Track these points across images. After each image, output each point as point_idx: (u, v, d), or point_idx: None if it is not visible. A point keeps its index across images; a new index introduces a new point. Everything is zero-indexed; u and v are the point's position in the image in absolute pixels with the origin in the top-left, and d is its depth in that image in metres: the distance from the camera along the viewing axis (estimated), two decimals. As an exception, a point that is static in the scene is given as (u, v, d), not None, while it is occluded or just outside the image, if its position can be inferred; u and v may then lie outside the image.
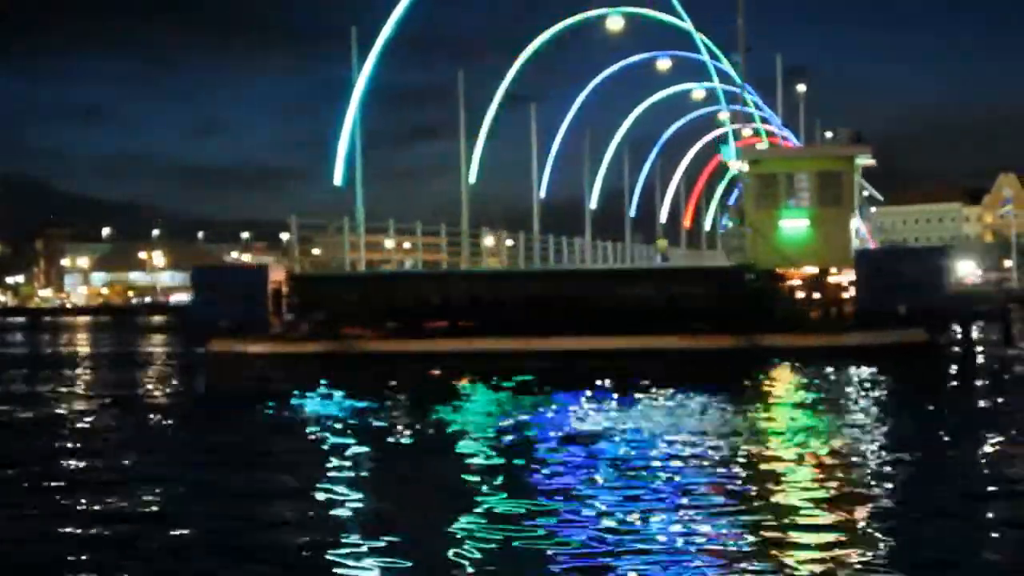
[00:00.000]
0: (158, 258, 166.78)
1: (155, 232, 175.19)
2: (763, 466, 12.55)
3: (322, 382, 23.75)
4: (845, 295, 31.73)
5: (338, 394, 21.82)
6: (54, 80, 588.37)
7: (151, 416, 18.79)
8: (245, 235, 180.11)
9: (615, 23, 42.12)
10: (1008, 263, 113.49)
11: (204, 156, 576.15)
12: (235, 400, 22.20)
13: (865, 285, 29.61)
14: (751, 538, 9.10)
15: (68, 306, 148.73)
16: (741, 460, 12.98)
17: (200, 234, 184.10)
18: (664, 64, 53.58)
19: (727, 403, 18.53)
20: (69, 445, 15.28)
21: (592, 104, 58.66)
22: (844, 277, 32.50)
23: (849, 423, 16.03)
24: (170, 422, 18.22)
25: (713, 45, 46.67)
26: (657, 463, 12.81)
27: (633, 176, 69.47)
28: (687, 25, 43.18)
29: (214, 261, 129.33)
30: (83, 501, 11.10)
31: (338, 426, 16.93)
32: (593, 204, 60.62)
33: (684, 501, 10.60)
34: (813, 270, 31.43)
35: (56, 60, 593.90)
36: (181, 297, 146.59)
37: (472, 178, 42.75)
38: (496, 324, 29.84)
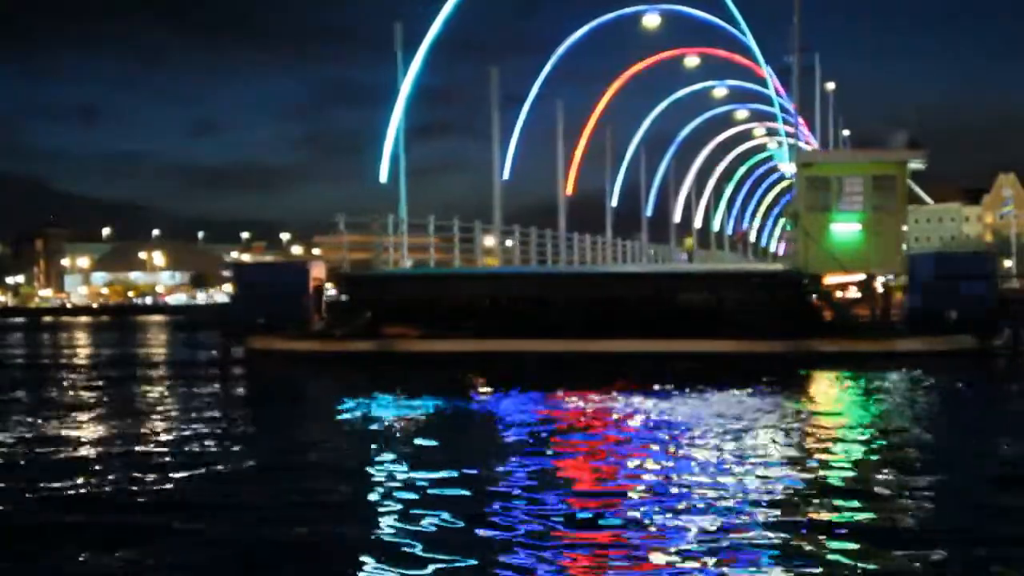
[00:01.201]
0: (158, 258, 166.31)
1: (155, 232, 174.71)
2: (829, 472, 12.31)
3: (366, 385, 23.27)
4: (892, 298, 31.39)
5: (385, 396, 21.32)
6: (53, 80, 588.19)
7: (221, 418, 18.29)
8: (245, 235, 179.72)
9: (651, 20, 41.70)
10: (1008, 263, 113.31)
11: (204, 156, 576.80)
12: (294, 400, 21.79)
13: (916, 290, 29.33)
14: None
15: (68, 306, 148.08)
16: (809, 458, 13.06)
17: (200, 234, 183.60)
18: (692, 61, 53.24)
19: (783, 401, 18.58)
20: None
21: (613, 102, 58.14)
22: (891, 280, 32.14)
23: (909, 427, 15.98)
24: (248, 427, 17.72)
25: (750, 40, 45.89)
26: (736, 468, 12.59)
27: (650, 175, 68.97)
28: (748, 40, 42.67)
29: (212, 260, 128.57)
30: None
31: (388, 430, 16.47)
32: (614, 202, 60.20)
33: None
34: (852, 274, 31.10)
35: (55, 60, 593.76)
36: (181, 296, 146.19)
37: (506, 174, 42.36)
38: (544, 326, 29.37)
